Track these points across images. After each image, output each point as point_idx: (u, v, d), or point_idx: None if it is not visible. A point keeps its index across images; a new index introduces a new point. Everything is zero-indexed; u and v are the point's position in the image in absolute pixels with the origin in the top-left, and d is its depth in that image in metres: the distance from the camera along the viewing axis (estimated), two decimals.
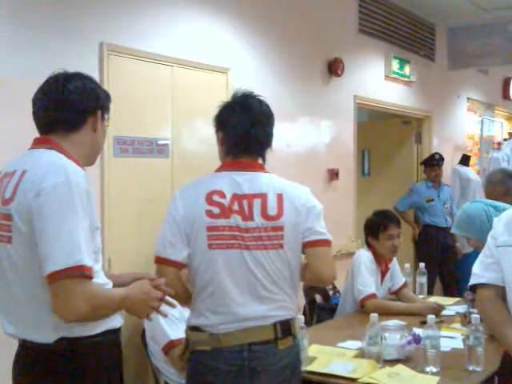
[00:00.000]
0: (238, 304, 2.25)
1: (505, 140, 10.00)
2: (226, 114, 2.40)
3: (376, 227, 4.02)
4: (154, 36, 3.99)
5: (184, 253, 2.30)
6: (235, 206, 2.28)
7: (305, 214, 2.34)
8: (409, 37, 7.15)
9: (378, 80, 6.68)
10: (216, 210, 2.27)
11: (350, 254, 5.52)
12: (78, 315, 1.85)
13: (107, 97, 2.19)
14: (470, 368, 2.77)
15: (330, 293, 4.50)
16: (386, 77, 6.76)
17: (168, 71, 4.06)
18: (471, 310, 3.42)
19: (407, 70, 7.07)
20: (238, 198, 2.29)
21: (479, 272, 2.36)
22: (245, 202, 2.28)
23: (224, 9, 4.55)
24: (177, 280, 2.33)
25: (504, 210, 3.36)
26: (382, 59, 6.70)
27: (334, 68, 5.72)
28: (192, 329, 2.35)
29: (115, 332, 2.08)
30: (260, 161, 2.42)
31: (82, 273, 1.82)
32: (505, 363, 2.35)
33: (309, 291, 4.37)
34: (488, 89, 9.71)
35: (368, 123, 7.85)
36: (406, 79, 7.09)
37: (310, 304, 4.34)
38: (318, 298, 4.44)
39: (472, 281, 2.38)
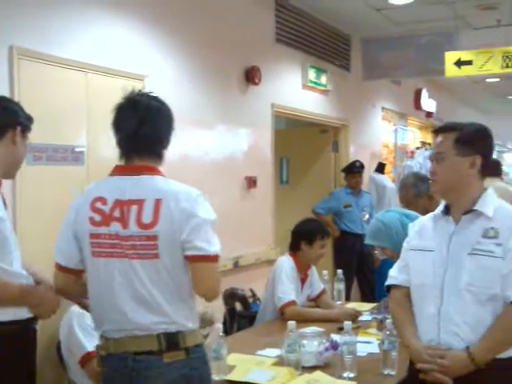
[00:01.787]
0: (124, 313, 2.20)
1: (417, 148, 10.33)
2: (116, 115, 2.33)
3: (314, 233, 4.04)
4: (67, 40, 3.88)
5: (73, 259, 2.30)
6: (116, 213, 2.21)
7: (181, 222, 2.17)
8: (325, 47, 7.28)
9: (295, 89, 6.76)
10: (97, 218, 2.23)
11: (269, 262, 5.55)
12: None
13: (29, 118, 2.53)
14: (385, 372, 2.82)
15: (250, 300, 4.49)
16: (303, 85, 6.86)
17: (82, 77, 3.97)
18: (386, 315, 3.48)
19: (324, 79, 7.19)
20: (120, 204, 2.22)
21: (392, 274, 2.55)
22: (125, 209, 2.20)
23: (140, 15, 4.49)
24: (66, 285, 2.35)
25: (416, 218, 3.48)
26: (299, 68, 6.78)
27: (251, 76, 5.75)
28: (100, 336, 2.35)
29: (23, 323, 2.36)
30: (157, 161, 2.32)
31: None
32: (412, 365, 2.43)
33: (228, 299, 4.35)
34: (401, 99, 10.02)
35: (286, 131, 7.93)
36: (322, 88, 7.21)
37: (230, 312, 4.32)
38: (239, 305, 4.43)
39: (386, 282, 2.56)
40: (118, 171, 2.31)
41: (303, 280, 4.10)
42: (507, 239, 2.23)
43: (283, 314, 3.80)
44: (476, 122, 2.49)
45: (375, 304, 4.16)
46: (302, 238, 4.05)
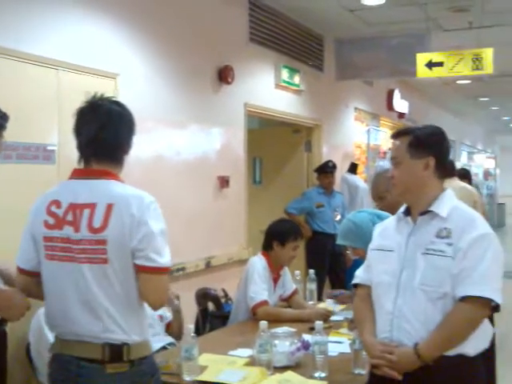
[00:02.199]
0: (72, 318, 2.21)
1: (390, 149, 10.39)
2: (77, 120, 2.31)
3: (287, 234, 4.04)
4: (38, 37, 3.84)
5: (31, 262, 2.32)
6: (69, 217, 2.22)
7: (132, 229, 2.16)
8: (298, 47, 7.30)
9: (269, 88, 6.77)
10: (51, 221, 2.25)
11: (242, 262, 5.55)
12: None
13: (4, 117, 2.51)
14: (356, 371, 2.83)
15: (222, 300, 4.48)
16: (276, 85, 6.87)
17: (54, 75, 3.93)
18: None
19: (297, 79, 7.21)
20: (73, 207, 2.23)
21: (358, 273, 2.64)
22: (78, 212, 2.21)
23: (113, 12, 4.46)
24: (26, 286, 2.35)
25: (387, 218, 3.50)
26: (272, 68, 6.79)
27: (224, 75, 5.74)
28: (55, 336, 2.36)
29: None
30: (117, 166, 2.31)
31: None
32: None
33: (201, 299, 4.34)
34: (374, 100, 10.09)
35: (259, 131, 7.93)
36: (295, 88, 7.23)
37: (203, 312, 4.31)
38: (211, 306, 4.42)
39: (352, 281, 2.67)
40: (75, 175, 2.32)
41: (276, 280, 4.11)
42: (458, 239, 2.29)
43: (255, 314, 3.80)
44: (431, 125, 2.57)
45: (347, 304, 4.18)
46: (274, 238, 4.06)
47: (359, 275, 2.63)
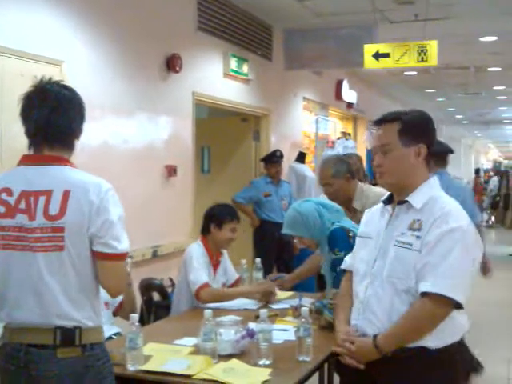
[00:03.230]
0: (22, 306, 2.18)
1: (338, 139, 10.51)
2: (25, 104, 2.25)
3: (223, 216, 4.05)
4: None
5: None
6: (22, 205, 2.17)
7: (90, 216, 2.14)
8: (247, 36, 7.30)
9: (217, 77, 6.75)
10: (3, 209, 2.18)
11: None
12: None
13: None
14: (300, 358, 2.85)
15: (169, 290, 4.47)
16: (225, 74, 6.86)
17: None
18: (302, 303, 3.54)
19: (245, 68, 7.22)
20: (26, 195, 2.17)
21: (346, 258, 2.68)
22: (31, 200, 2.16)
23: None
24: None
25: (332, 207, 3.54)
26: (221, 57, 6.78)
27: (172, 64, 5.71)
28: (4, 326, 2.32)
29: None
30: (68, 152, 2.27)
31: None
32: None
33: (145, 289, 4.32)
34: (322, 90, 10.16)
35: (208, 120, 7.92)
36: (244, 77, 7.23)
37: (147, 303, 4.29)
38: (156, 295, 4.40)
39: (341, 266, 2.71)
40: (25, 161, 2.25)
41: (215, 266, 4.08)
42: (427, 232, 2.24)
43: (199, 298, 3.79)
44: (417, 109, 2.45)
45: (292, 292, 4.23)
46: (211, 220, 4.06)
47: (347, 260, 2.65)
